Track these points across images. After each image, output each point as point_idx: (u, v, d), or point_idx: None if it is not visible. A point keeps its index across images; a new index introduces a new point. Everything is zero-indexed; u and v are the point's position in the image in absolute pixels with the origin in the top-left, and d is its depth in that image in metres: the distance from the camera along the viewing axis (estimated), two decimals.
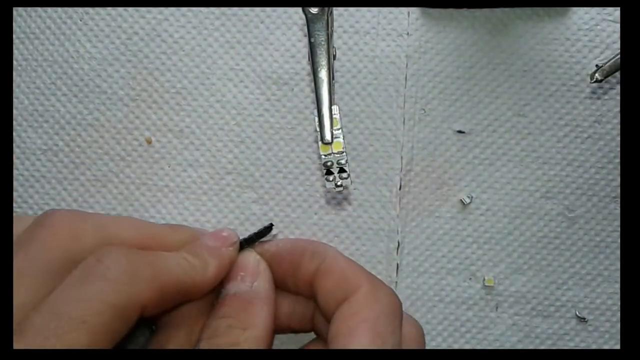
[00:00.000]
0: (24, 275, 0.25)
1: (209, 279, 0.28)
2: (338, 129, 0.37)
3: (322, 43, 0.36)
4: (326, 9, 0.36)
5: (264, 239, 0.31)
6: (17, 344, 0.23)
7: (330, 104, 0.36)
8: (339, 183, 0.37)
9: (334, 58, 0.38)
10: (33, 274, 0.25)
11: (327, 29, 0.36)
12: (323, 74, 0.36)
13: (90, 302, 0.24)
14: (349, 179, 0.37)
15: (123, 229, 0.28)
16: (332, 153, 0.37)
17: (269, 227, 0.31)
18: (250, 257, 0.30)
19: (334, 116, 0.36)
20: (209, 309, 0.30)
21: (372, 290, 0.27)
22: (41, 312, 0.23)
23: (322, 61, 0.36)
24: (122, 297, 0.24)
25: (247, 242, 0.31)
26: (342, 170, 0.37)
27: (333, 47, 0.37)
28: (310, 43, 0.36)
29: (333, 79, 0.38)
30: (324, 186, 0.38)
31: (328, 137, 0.36)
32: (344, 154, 0.37)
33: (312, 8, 0.36)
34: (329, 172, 0.37)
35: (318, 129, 0.37)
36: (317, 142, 0.43)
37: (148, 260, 0.26)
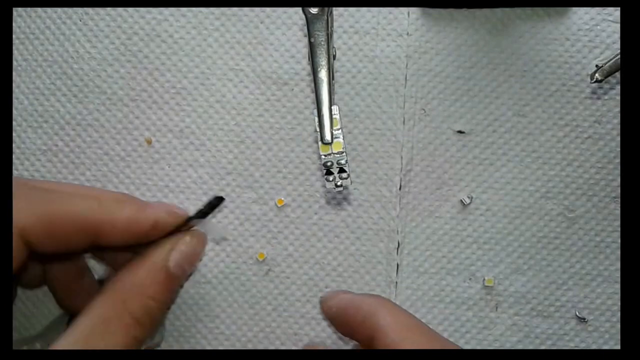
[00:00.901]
0: None
1: (118, 221, 0.29)
2: (338, 129, 0.37)
3: (322, 43, 0.36)
4: (326, 9, 0.36)
5: (216, 210, 0.32)
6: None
7: (330, 104, 0.36)
8: (339, 183, 0.37)
9: (334, 58, 0.38)
10: None
11: (327, 29, 0.36)
12: (323, 74, 0.36)
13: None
14: (348, 179, 0.37)
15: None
16: (332, 153, 0.37)
17: (220, 199, 0.32)
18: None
19: (333, 116, 0.36)
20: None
21: None
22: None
23: (322, 61, 0.36)
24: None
25: (199, 216, 0.31)
26: (342, 171, 0.37)
27: (333, 47, 0.37)
28: (310, 43, 0.36)
29: (333, 79, 0.37)
30: (324, 186, 0.38)
31: (328, 137, 0.36)
32: (344, 154, 0.37)
33: (312, 8, 0.36)
34: (329, 172, 0.37)
35: (318, 129, 0.36)
36: (317, 142, 0.43)
37: (43, 195, 0.28)
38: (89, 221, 0.28)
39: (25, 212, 0.26)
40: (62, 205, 0.27)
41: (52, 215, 0.27)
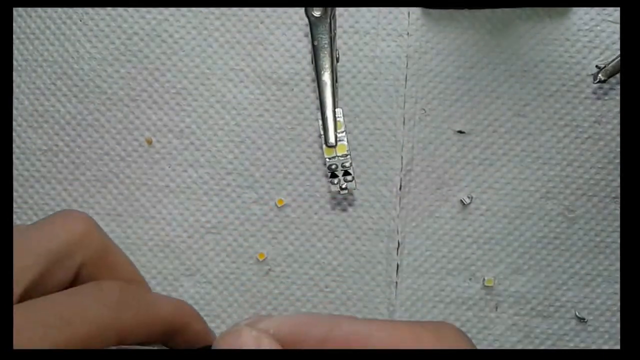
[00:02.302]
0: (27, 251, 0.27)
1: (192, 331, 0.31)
2: (342, 132, 0.37)
3: (325, 46, 0.36)
4: (329, 11, 0.36)
5: None
6: (16, 315, 0.25)
7: (334, 107, 0.36)
8: (344, 186, 0.37)
9: (337, 60, 0.38)
10: (35, 252, 0.27)
11: (330, 32, 0.36)
12: (326, 77, 0.36)
13: (82, 312, 0.26)
14: (353, 181, 0.37)
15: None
16: (337, 156, 0.37)
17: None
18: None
19: (337, 119, 0.36)
20: None
21: None
22: (39, 300, 0.26)
23: (326, 64, 0.36)
24: (106, 320, 0.27)
25: None
26: (346, 173, 0.37)
27: (336, 49, 0.37)
28: (313, 46, 0.36)
29: (336, 81, 0.37)
30: (330, 190, 0.38)
31: (332, 140, 0.36)
32: (348, 156, 0.37)
33: (315, 11, 0.36)
34: (333, 175, 0.37)
35: (322, 132, 0.37)
36: (317, 142, 0.43)
37: (142, 296, 0.29)
38: (176, 327, 0.31)
39: (131, 317, 0.28)
40: (157, 314, 0.30)
41: (150, 320, 0.29)
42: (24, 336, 0.24)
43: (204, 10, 0.43)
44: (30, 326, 0.24)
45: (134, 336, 0.28)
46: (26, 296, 0.27)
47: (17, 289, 0.26)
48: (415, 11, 0.43)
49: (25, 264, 0.27)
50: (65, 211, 0.30)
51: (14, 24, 0.43)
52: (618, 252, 0.42)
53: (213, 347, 0.25)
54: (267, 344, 0.24)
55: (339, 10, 0.42)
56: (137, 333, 0.28)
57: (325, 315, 0.27)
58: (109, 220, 0.43)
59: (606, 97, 0.42)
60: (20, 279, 0.26)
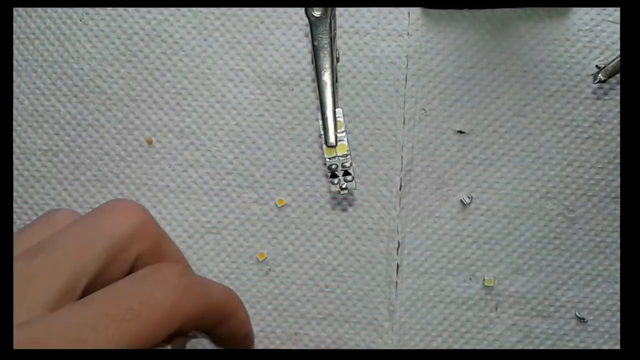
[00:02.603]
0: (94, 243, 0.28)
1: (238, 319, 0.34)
2: (342, 132, 0.37)
3: (326, 46, 0.36)
4: (329, 11, 0.36)
5: None
6: (75, 309, 0.25)
7: (334, 107, 0.36)
8: (344, 186, 0.37)
9: (337, 61, 0.38)
10: (99, 245, 0.28)
11: (330, 32, 0.36)
12: (327, 77, 0.36)
13: (149, 301, 0.26)
14: (353, 182, 0.37)
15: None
16: (337, 156, 0.37)
17: None
18: None
19: (337, 119, 0.36)
20: None
21: None
22: (105, 292, 0.26)
23: (326, 64, 0.36)
24: (172, 305, 0.27)
25: None
26: (346, 173, 0.37)
27: (336, 49, 0.37)
28: (313, 46, 0.36)
29: (337, 81, 0.37)
30: (330, 191, 0.38)
31: (332, 140, 0.36)
32: (349, 156, 0.37)
33: (315, 11, 0.36)
34: (333, 175, 0.37)
35: (322, 132, 0.37)
36: (317, 142, 0.43)
37: (199, 281, 0.30)
38: (226, 313, 0.32)
39: (189, 301, 0.28)
40: (213, 299, 0.30)
41: (206, 306, 0.29)
42: (101, 336, 0.24)
43: (204, 10, 0.43)
44: (103, 322, 0.24)
45: (192, 322, 0.28)
46: (88, 290, 0.27)
47: (82, 282, 0.26)
48: (415, 11, 0.43)
49: (89, 258, 0.27)
50: (120, 202, 0.30)
51: (14, 24, 0.43)
52: (618, 252, 0.42)
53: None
54: None
55: (339, 10, 0.42)
56: (195, 317, 0.28)
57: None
58: None
59: (606, 97, 0.42)
60: (85, 272, 0.26)
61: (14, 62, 0.43)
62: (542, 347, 0.42)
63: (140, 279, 0.27)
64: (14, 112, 0.43)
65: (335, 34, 0.37)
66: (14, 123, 0.43)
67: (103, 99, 0.43)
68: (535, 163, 0.43)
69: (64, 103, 0.43)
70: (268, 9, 0.43)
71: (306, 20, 0.37)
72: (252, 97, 0.43)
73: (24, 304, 0.24)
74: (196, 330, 0.32)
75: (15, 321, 0.23)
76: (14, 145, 0.43)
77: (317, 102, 0.38)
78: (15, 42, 0.43)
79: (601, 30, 0.42)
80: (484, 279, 0.42)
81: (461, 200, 0.42)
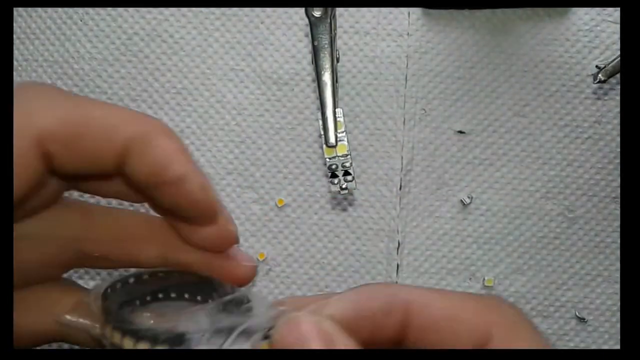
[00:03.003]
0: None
1: (160, 147, 0.22)
2: (342, 132, 0.37)
3: (326, 46, 0.36)
4: (329, 11, 0.36)
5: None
6: None
7: (335, 107, 0.36)
8: (344, 186, 0.37)
9: (337, 61, 0.38)
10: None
11: (331, 32, 0.36)
12: (327, 77, 0.36)
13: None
14: (353, 181, 0.37)
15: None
16: (337, 156, 0.37)
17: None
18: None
19: (337, 119, 0.36)
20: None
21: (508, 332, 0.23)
22: None
23: (326, 64, 0.36)
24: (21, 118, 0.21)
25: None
26: (346, 173, 0.37)
27: (336, 49, 0.37)
28: (313, 46, 0.36)
29: (337, 81, 0.38)
30: (330, 190, 0.38)
31: (332, 140, 0.36)
32: (349, 156, 0.37)
33: (315, 11, 0.36)
34: (333, 175, 0.37)
35: (322, 132, 0.37)
36: (317, 142, 0.43)
37: (71, 99, 0.22)
38: (121, 135, 0.22)
39: (45, 114, 0.21)
40: (92, 111, 0.22)
41: (79, 120, 0.21)
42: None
43: (204, 10, 0.43)
44: None
45: (54, 143, 0.21)
46: None
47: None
48: (415, 11, 0.43)
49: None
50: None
51: (14, 24, 0.43)
52: (618, 252, 0.42)
53: (272, 342, 0.21)
54: (330, 328, 0.21)
55: (339, 10, 0.42)
56: (57, 135, 0.21)
57: (381, 285, 0.24)
58: None
59: (606, 97, 0.42)
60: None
61: (14, 62, 0.43)
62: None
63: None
64: None
65: (335, 34, 0.38)
66: None
67: (104, 99, 0.43)
68: (535, 163, 0.43)
69: None
70: (268, 9, 0.43)
71: (306, 20, 0.37)
72: (252, 97, 0.43)
73: None
74: (77, 170, 0.22)
75: None
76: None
77: (317, 102, 0.39)
78: (16, 42, 0.43)
79: (601, 30, 0.42)
80: (484, 279, 0.42)
81: (461, 200, 0.42)
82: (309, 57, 0.43)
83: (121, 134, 0.22)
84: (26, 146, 0.21)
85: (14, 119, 0.21)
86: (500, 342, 0.22)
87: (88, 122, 0.22)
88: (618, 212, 0.42)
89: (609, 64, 0.39)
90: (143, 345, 0.22)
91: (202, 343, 0.22)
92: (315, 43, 0.36)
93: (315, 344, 0.20)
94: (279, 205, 0.43)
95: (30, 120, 0.21)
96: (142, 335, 0.22)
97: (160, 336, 0.22)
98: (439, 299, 0.23)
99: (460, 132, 0.43)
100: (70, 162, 0.22)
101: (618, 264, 0.42)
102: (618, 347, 0.42)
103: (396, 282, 0.42)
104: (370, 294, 0.23)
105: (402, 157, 0.43)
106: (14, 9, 0.43)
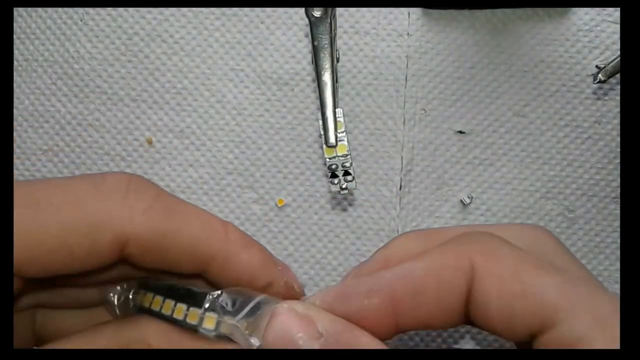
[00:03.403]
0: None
1: (238, 263, 0.23)
2: (342, 132, 0.37)
3: (326, 46, 0.36)
4: (329, 11, 0.36)
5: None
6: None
7: (335, 107, 0.36)
8: (344, 186, 0.37)
9: (337, 61, 0.38)
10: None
11: (331, 32, 0.36)
12: (327, 77, 0.36)
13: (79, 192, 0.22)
14: (354, 182, 0.37)
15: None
16: (337, 156, 0.37)
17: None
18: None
19: (337, 119, 0.37)
20: None
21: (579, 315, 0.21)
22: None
23: (326, 64, 0.36)
24: (108, 209, 0.21)
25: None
26: (346, 173, 0.37)
27: (336, 49, 0.37)
28: (313, 46, 0.36)
29: (337, 81, 0.38)
30: (330, 191, 0.38)
31: (333, 140, 0.36)
32: (349, 157, 0.37)
33: (315, 11, 0.36)
34: (333, 175, 0.37)
35: (322, 132, 0.37)
36: (317, 142, 0.43)
37: (173, 200, 0.23)
38: (206, 252, 0.23)
39: (134, 217, 0.21)
40: (181, 225, 0.22)
41: (168, 233, 0.22)
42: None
43: (205, 10, 0.43)
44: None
45: (140, 248, 0.22)
46: None
47: None
48: (415, 11, 0.43)
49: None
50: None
51: (14, 24, 0.43)
52: (618, 252, 0.42)
53: (264, 340, 0.22)
54: (304, 309, 0.22)
55: (339, 10, 0.42)
56: (144, 242, 0.21)
57: (366, 277, 0.24)
58: None
59: (606, 97, 0.42)
60: None
61: (14, 62, 0.43)
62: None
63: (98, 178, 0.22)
64: (15, 112, 0.43)
65: (335, 34, 0.38)
66: (15, 123, 0.43)
67: (103, 99, 0.43)
68: (535, 163, 0.43)
69: (64, 103, 0.43)
70: (268, 9, 0.43)
71: (306, 20, 0.37)
72: (252, 97, 0.43)
73: None
74: (153, 269, 0.23)
75: None
76: (14, 145, 0.43)
77: (317, 102, 0.39)
78: (16, 42, 0.43)
79: (601, 30, 0.42)
80: None
81: (461, 200, 0.42)
82: (309, 57, 0.43)
83: (205, 250, 0.23)
84: (106, 242, 0.21)
85: (100, 209, 0.21)
86: (482, 270, 0.22)
87: (175, 235, 0.22)
88: (618, 212, 0.42)
89: (609, 64, 0.39)
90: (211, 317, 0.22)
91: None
92: (315, 43, 0.36)
93: (296, 329, 0.21)
94: (279, 205, 0.43)
95: (117, 216, 0.21)
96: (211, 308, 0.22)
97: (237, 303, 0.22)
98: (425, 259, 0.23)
99: (460, 132, 0.43)
100: (146, 263, 0.22)
101: (618, 264, 0.42)
102: (618, 347, 0.42)
103: None
104: (354, 282, 0.24)
105: (402, 157, 0.43)
106: (14, 9, 0.43)
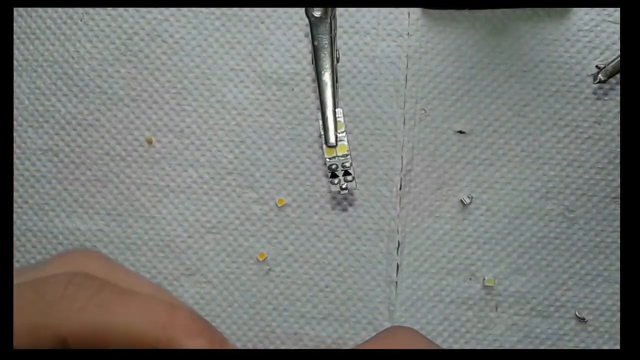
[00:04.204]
0: None
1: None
2: (342, 132, 0.37)
3: (326, 46, 0.36)
4: (329, 11, 0.36)
5: None
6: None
7: (334, 107, 0.36)
8: (344, 186, 0.37)
9: (337, 61, 0.38)
10: None
11: (331, 32, 0.36)
12: (327, 77, 0.36)
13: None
14: (354, 181, 0.37)
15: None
16: (337, 156, 0.37)
17: None
18: None
19: (337, 119, 0.37)
20: None
21: None
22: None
23: (326, 64, 0.36)
24: (43, 310, 0.23)
25: None
26: (346, 173, 0.37)
27: (336, 49, 0.37)
28: (313, 46, 0.36)
29: (337, 81, 0.38)
30: (330, 190, 0.38)
31: (333, 140, 0.36)
32: (349, 156, 0.37)
33: (315, 11, 0.36)
34: (333, 175, 0.37)
35: (322, 132, 0.37)
36: (317, 142, 0.43)
37: (102, 299, 0.24)
38: (145, 340, 0.24)
39: (70, 317, 0.23)
40: (116, 318, 0.24)
41: (103, 328, 0.23)
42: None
43: (205, 10, 0.43)
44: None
45: (78, 341, 0.23)
46: None
47: None
48: (415, 11, 0.43)
49: None
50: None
51: (14, 24, 0.43)
52: (618, 252, 0.42)
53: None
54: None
55: (339, 10, 0.42)
56: (81, 338, 0.23)
57: None
58: (109, 220, 0.43)
59: (606, 97, 0.42)
60: None
61: (14, 62, 0.43)
62: (542, 347, 0.42)
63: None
64: (15, 112, 0.43)
65: (335, 34, 0.38)
66: (15, 123, 0.43)
67: (103, 98, 0.43)
68: (535, 163, 0.43)
69: (64, 103, 0.43)
70: (268, 9, 0.43)
71: (306, 20, 0.37)
72: (252, 97, 0.43)
73: None
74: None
75: None
76: (14, 145, 0.43)
77: (317, 102, 0.39)
78: (16, 42, 0.43)
79: (601, 30, 0.42)
80: (484, 279, 0.42)
81: (461, 200, 0.42)
82: (309, 57, 0.43)
83: (144, 339, 0.24)
84: (48, 341, 0.23)
85: (38, 312, 0.23)
86: None
87: (109, 329, 0.24)
88: (618, 212, 0.42)
89: (609, 64, 0.39)
90: None
91: None
92: (315, 43, 0.36)
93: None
94: (279, 205, 0.43)
95: (54, 316, 0.23)
96: None
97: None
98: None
99: (460, 132, 0.43)
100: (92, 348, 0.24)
101: (618, 264, 0.42)
102: (618, 347, 0.42)
103: (396, 283, 0.43)
104: None
105: (402, 157, 0.43)
106: (14, 9, 0.43)
